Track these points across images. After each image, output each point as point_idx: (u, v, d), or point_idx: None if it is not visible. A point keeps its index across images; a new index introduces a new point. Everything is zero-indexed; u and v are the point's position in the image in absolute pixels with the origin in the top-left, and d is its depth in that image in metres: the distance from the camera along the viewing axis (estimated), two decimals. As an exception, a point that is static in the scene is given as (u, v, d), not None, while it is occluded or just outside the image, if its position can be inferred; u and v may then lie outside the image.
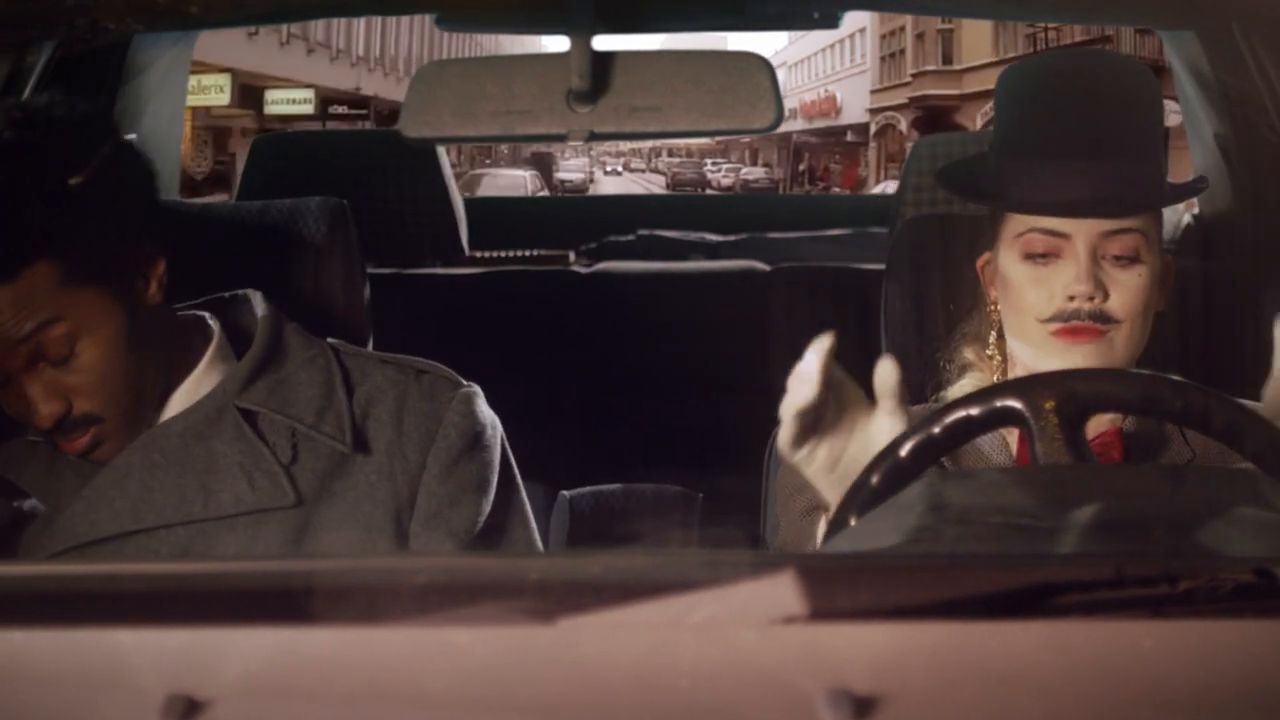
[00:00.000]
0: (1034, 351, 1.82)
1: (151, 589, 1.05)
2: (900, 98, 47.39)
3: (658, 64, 1.62)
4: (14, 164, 1.65)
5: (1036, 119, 1.85)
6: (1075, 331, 1.79)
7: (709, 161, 56.14)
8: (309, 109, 33.48)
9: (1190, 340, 2.14)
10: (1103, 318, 1.78)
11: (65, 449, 1.79)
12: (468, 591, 1.01)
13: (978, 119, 34.21)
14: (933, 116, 39.46)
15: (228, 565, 1.38)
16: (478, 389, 2.00)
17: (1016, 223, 1.84)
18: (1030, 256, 1.82)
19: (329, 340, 1.98)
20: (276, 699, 0.92)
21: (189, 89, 3.25)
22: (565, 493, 2.83)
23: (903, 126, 46.01)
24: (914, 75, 45.95)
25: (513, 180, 33.47)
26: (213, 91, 28.57)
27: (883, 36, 49.89)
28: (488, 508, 1.93)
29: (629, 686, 0.92)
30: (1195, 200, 2.69)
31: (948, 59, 42.61)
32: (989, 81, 1.95)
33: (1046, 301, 1.80)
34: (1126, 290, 1.78)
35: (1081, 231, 1.79)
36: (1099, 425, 1.82)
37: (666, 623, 0.97)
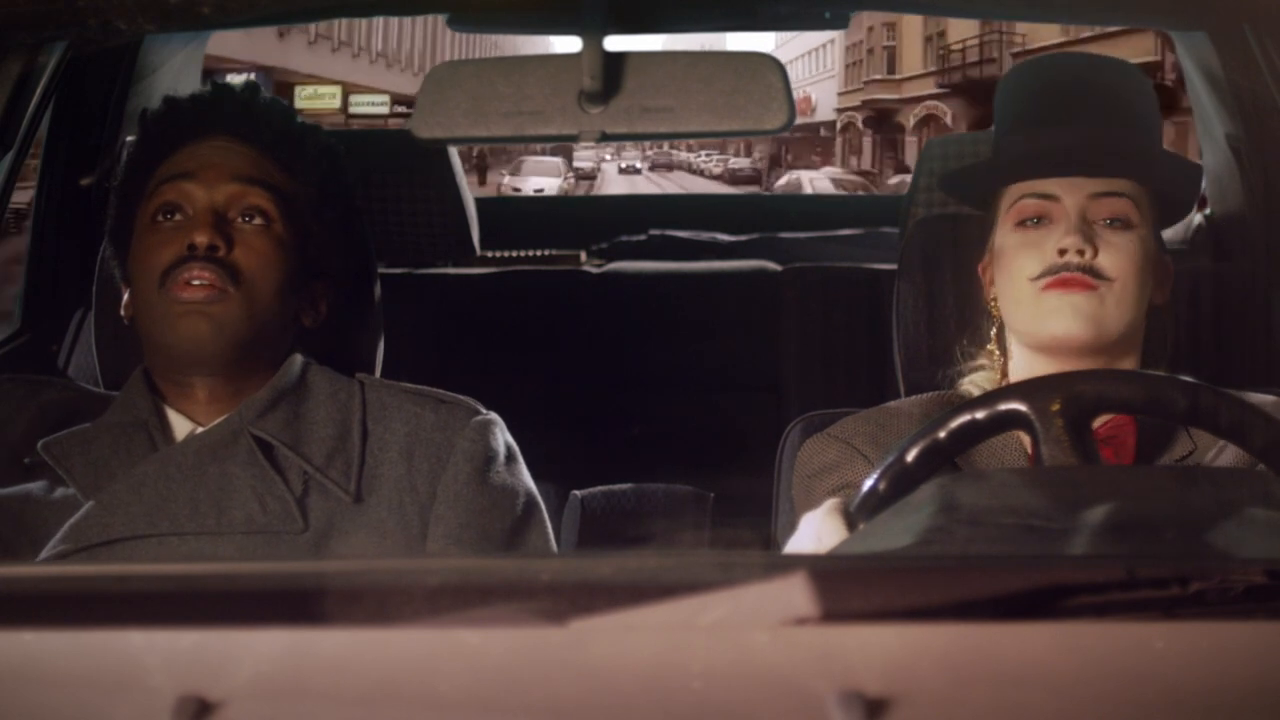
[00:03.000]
0: (1025, 313, 1.86)
1: (163, 590, 1.05)
2: (858, 100, 53.38)
3: (669, 64, 1.62)
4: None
5: (1031, 98, 1.94)
6: (1065, 283, 1.82)
7: (703, 153, 59.72)
8: (335, 104, 33.74)
9: (1202, 339, 2.13)
10: (1094, 272, 1.81)
11: (179, 290, 1.85)
12: (479, 593, 1.01)
13: (911, 119, 42.71)
14: (880, 116, 46.49)
15: (239, 567, 1.38)
16: (495, 417, 1.99)
17: (1011, 194, 1.90)
18: (1023, 224, 1.87)
19: (358, 376, 2.01)
20: (288, 700, 0.92)
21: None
22: (577, 492, 2.82)
23: (860, 124, 52.24)
24: (865, 83, 52.14)
25: (553, 165, 40.27)
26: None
27: (847, 47, 55.34)
28: (504, 529, 1.93)
29: (640, 687, 0.92)
30: (1207, 200, 2.68)
31: (891, 69, 48.07)
32: (919, 88, 2.02)
33: (1037, 260, 1.84)
34: (1118, 250, 1.82)
35: (1070, 192, 1.84)
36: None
37: (678, 624, 0.97)
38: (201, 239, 1.85)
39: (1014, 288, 1.86)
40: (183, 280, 1.84)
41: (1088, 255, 1.81)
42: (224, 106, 1.98)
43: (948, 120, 39.97)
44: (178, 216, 1.89)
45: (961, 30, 39.02)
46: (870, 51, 50.77)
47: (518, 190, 32.19)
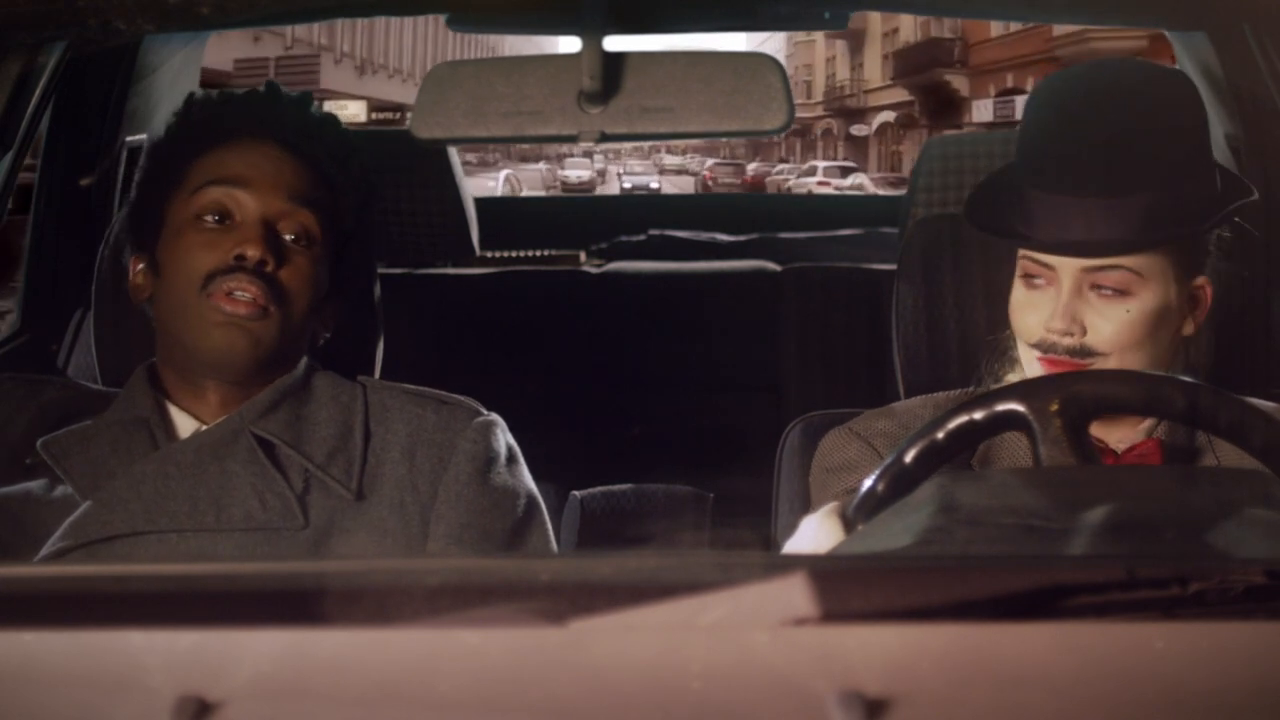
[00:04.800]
0: (1028, 371, 1.82)
1: (163, 590, 1.05)
2: (790, 115, 71.56)
3: (669, 65, 1.62)
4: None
5: (1042, 146, 1.81)
6: (1055, 364, 1.77)
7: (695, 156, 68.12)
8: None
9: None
10: (1083, 352, 1.75)
11: (221, 300, 1.84)
12: (479, 593, 1.01)
13: (819, 129, 64.30)
14: (803, 128, 64.20)
15: (239, 567, 1.38)
16: (496, 418, 1.99)
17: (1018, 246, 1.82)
18: (1026, 278, 1.81)
19: (359, 378, 2.01)
20: (288, 700, 0.92)
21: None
22: (576, 493, 2.82)
23: (790, 133, 65.40)
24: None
25: (585, 162, 47.98)
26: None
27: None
28: (505, 529, 1.93)
29: (640, 688, 0.92)
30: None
31: (808, 96, 66.00)
32: (820, 110, 1.96)
33: (1034, 327, 1.79)
34: (1111, 323, 1.75)
35: (1066, 266, 1.76)
36: (1135, 435, 1.81)
37: (677, 624, 0.97)
38: (254, 253, 1.85)
39: (1020, 345, 1.83)
40: (226, 289, 1.84)
41: (1075, 336, 1.75)
42: (280, 113, 1.98)
43: (834, 131, 60.44)
44: (225, 220, 1.88)
45: (841, 73, 61.15)
46: (796, 84, 69.43)
47: (566, 177, 43.17)
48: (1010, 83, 36.99)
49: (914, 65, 45.74)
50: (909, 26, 47.12)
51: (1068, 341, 1.76)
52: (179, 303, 1.87)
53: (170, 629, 0.97)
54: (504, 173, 28.56)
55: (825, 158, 51.09)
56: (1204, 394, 1.51)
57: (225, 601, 1.04)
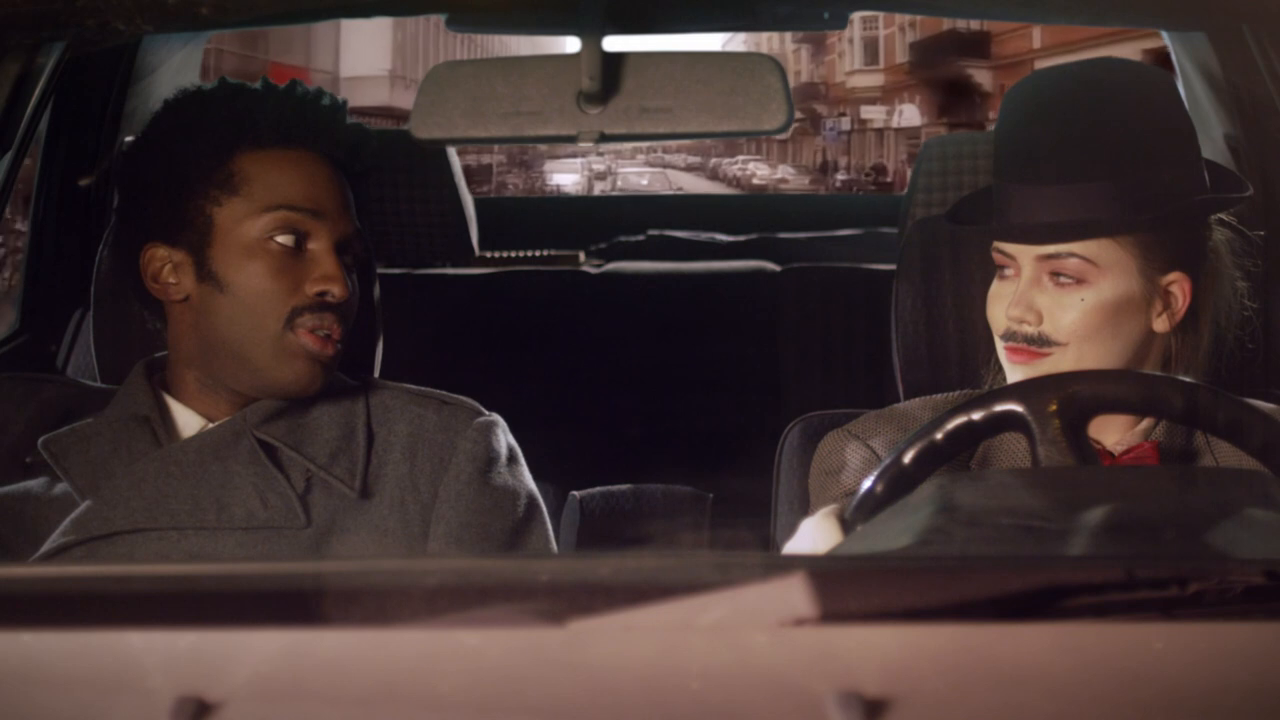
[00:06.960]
0: (1002, 362, 1.83)
1: (162, 591, 1.05)
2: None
3: (668, 65, 1.61)
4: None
5: (1009, 139, 1.84)
6: (1015, 352, 1.79)
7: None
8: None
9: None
10: (1041, 340, 1.76)
11: (306, 337, 1.84)
12: (479, 593, 1.01)
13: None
14: None
15: (238, 567, 1.38)
16: (497, 419, 1.99)
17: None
18: (999, 270, 1.83)
19: (362, 378, 2.01)
20: (287, 700, 0.92)
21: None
22: (575, 493, 2.82)
23: None
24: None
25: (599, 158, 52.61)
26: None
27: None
28: (505, 530, 1.93)
29: (639, 688, 0.92)
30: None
31: None
32: None
33: (1000, 318, 1.81)
34: (1066, 311, 1.76)
35: (1025, 254, 1.78)
36: (1133, 438, 1.81)
37: (677, 624, 0.97)
38: (339, 292, 1.85)
39: (995, 339, 1.84)
40: (312, 326, 1.84)
41: (1033, 323, 1.77)
42: (327, 122, 1.94)
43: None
44: (299, 246, 1.86)
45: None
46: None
47: (591, 168, 47.37)
48: (841, 109, 60.30)
49: (800, 97, 66.69)
50: (807, 70, 69.06)
51: (1026, 329, 1.77)
52: (253, 328, 1.85)
53: (170, 629, 0.97)
54: (580, 160, 41.31)
55: (765, 155, 64.33)
56: (1203, 394, 1.51)
57: (225, 601, 1.04)
